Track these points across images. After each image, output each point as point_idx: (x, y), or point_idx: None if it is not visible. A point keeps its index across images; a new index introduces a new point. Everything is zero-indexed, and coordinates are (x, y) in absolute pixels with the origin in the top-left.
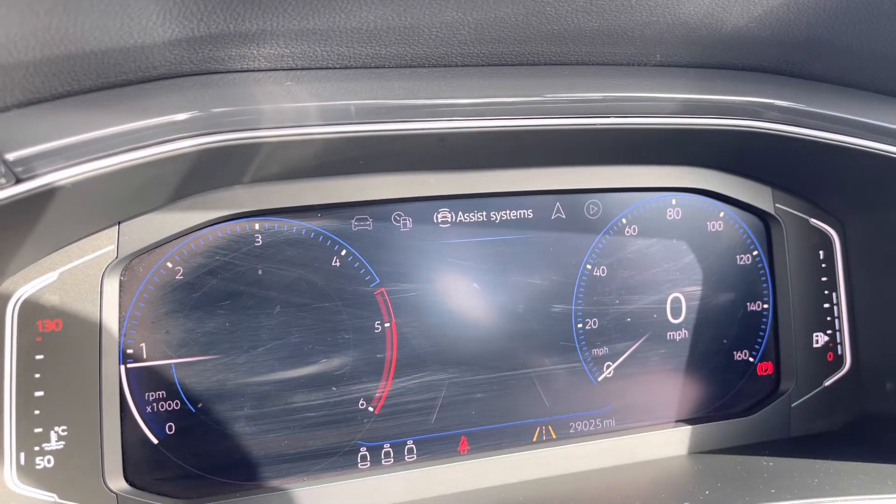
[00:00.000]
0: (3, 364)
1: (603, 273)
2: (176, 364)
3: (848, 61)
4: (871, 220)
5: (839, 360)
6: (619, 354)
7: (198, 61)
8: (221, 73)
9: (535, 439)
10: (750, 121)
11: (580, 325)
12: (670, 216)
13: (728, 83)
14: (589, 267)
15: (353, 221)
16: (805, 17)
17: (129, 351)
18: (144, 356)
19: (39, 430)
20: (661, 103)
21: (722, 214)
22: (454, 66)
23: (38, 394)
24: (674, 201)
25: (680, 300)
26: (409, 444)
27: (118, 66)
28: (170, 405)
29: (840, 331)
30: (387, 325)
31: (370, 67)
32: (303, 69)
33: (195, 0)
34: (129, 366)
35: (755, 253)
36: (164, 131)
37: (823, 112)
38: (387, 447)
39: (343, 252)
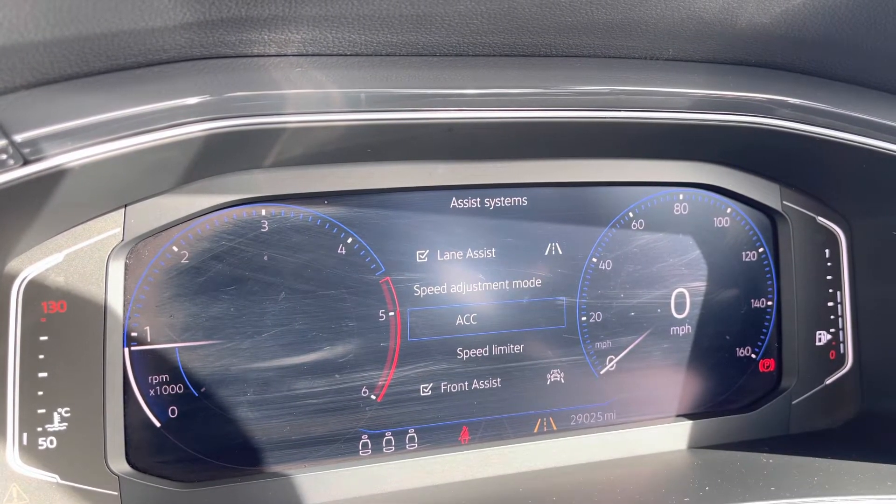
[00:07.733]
0: (7, 344)
1: (608, 266)
2: (180, 348)
3: (862, 60)
4: (878, 220)
5: (841, 359)
6: (621, 348)
7: (208, 45)
8: (231, 57)
9: (535, 431)
10: (761, 117)
11: (584, 318)
12: (677, 211)
13: (740, 79)
14: (595, 260)
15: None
16: (821, 15)
17: (133, 334)
18: (148, 339)
19: (42, 410)
20: (671, 98)
21: (729, 211)
22: (466, 55)
23: (42, 375)
24: (681, 196)
25: (684, 295)
26: (411, 432)
27: (128, 48)
28: (173, 389)
29: (843, 329)
30: (391, 313)
31: (381, 55)
32: (313, 55)
33: None
34: (132, 349)
35: (761, 250)
36: (173, 115)
37: (835, 111)
38: (388, 435)
39: (349, 240)
